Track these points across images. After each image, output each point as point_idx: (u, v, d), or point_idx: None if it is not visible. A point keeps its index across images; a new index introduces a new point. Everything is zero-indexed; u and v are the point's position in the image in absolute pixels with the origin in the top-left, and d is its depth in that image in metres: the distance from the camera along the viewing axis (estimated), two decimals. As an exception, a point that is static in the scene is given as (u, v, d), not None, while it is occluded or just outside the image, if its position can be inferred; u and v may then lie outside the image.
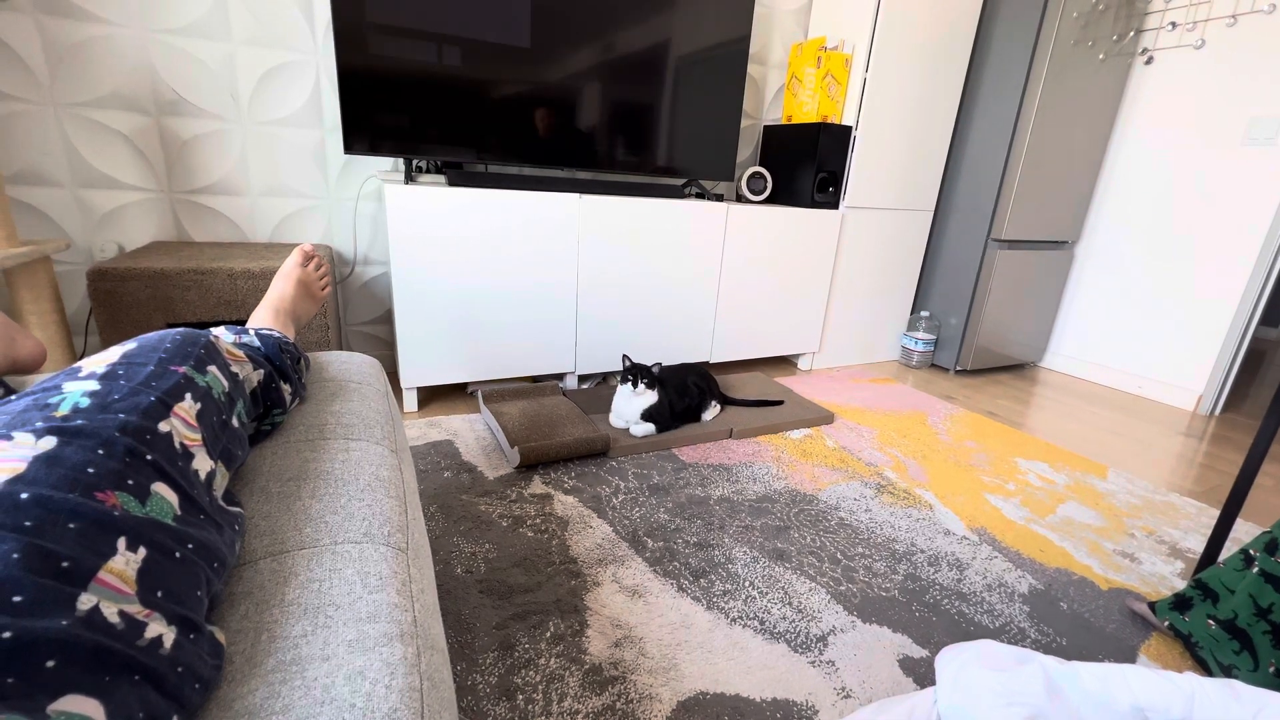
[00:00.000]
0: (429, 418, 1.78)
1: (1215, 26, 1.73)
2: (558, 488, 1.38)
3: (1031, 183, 1.97)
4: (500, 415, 1.69)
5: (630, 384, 1.60)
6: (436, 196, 1.56)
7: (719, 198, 2.19)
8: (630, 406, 1.63)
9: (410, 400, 1.83)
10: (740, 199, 2.31)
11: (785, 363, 2.63)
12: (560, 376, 2.12)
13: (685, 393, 1.74)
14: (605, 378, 2.26)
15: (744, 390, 2.13)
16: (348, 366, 0.87)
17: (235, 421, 0.59)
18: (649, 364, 1.69)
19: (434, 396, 1.97)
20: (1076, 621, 0.99)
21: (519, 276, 1.83)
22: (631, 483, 1.44)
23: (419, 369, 1.78)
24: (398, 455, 0.75)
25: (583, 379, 2.16)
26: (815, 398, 2.20)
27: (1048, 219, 2.08)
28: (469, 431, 1.71)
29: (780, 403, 2.02)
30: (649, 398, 1.64)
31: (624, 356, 1.64)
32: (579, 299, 1.93)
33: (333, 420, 0.74)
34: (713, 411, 1.82)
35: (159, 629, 0.40)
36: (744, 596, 1.03)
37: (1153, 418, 1.84)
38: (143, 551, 0.41)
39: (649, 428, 1.64)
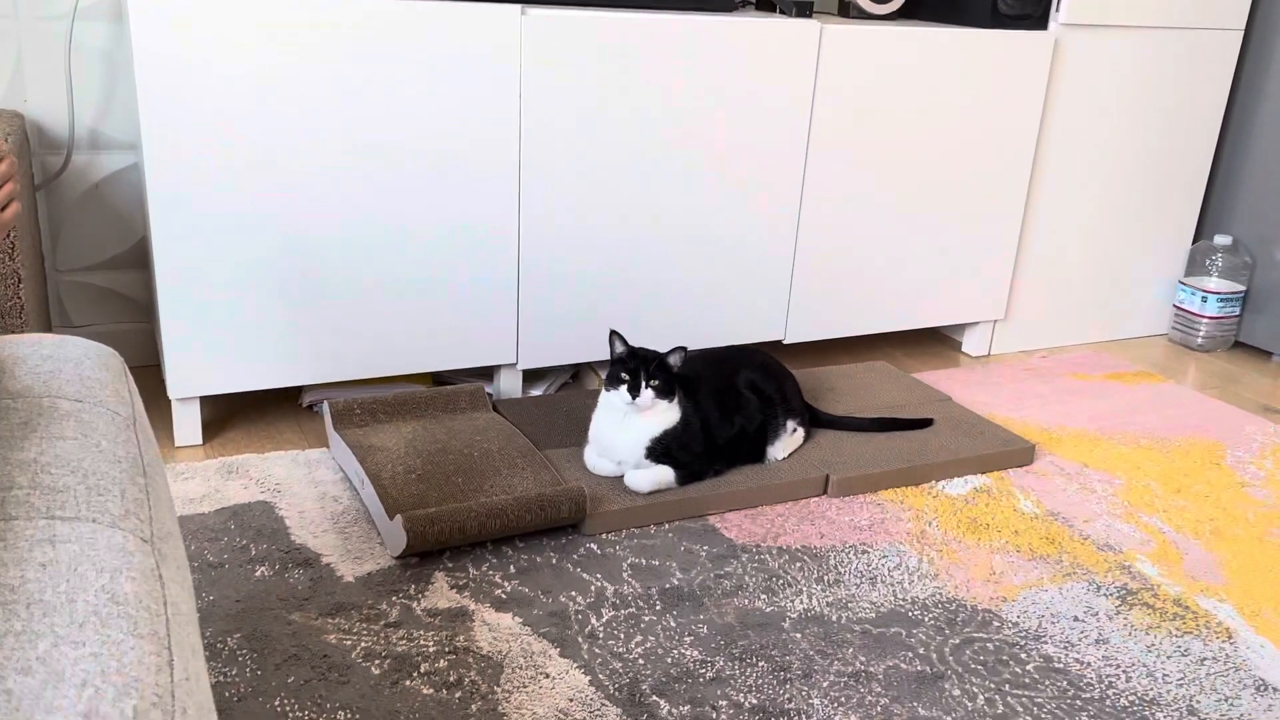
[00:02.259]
0: (225, 457, 1.86)
1: None
2: (483, 597, 1.46)
3: None
4: (369, 452, 1.77)
5: (625, 389, 1.66)
6: (236, 14, 1.62)
7: (803, 10, 2.20)
8: (626, 434, 1.72)
9: (187, 425, 1.89)
10: (847, 10, 2.36)
11: (937, 341, 2.68)
12: (488, 373, 2.20)
13: (735, 404, 1.82)
14: (575, 375, 2.34)
15: (853, 398, 2.19)
16: (54, 365, 0.81)
17: None
18: (661, 351, 1.72)
19: (235, 416, 2.04)
20: None
21: (408, 193, 1.89)
22: (628, 585, 1.51)
23: (204, 365, 1.85)
24: (155, 547, 0.67)
25: (531, 378, 2.22)
26: (997, 412, 2.26)
27: None
28: (304, 485, 1.78)
29: (927, 423, 2.06)
30: (662, 416, 1.71)
31: (612, 335, 1.71)
32: (523, 233, 2.00)
33: (23, 481, 0.67)
34: (789, 440, 1.90)
35: None
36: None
37: None
38: None
39: (662, 475, 1.72)
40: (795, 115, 2.11)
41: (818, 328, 2.31)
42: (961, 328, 2.62)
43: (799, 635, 1.42)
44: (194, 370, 1.80)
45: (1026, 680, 1.34)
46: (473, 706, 1.21)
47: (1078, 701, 1.30)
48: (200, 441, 1.88)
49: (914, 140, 2.26)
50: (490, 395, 2.06)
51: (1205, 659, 1.40)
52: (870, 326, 2.37)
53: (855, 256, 2.30)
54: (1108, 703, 1.30)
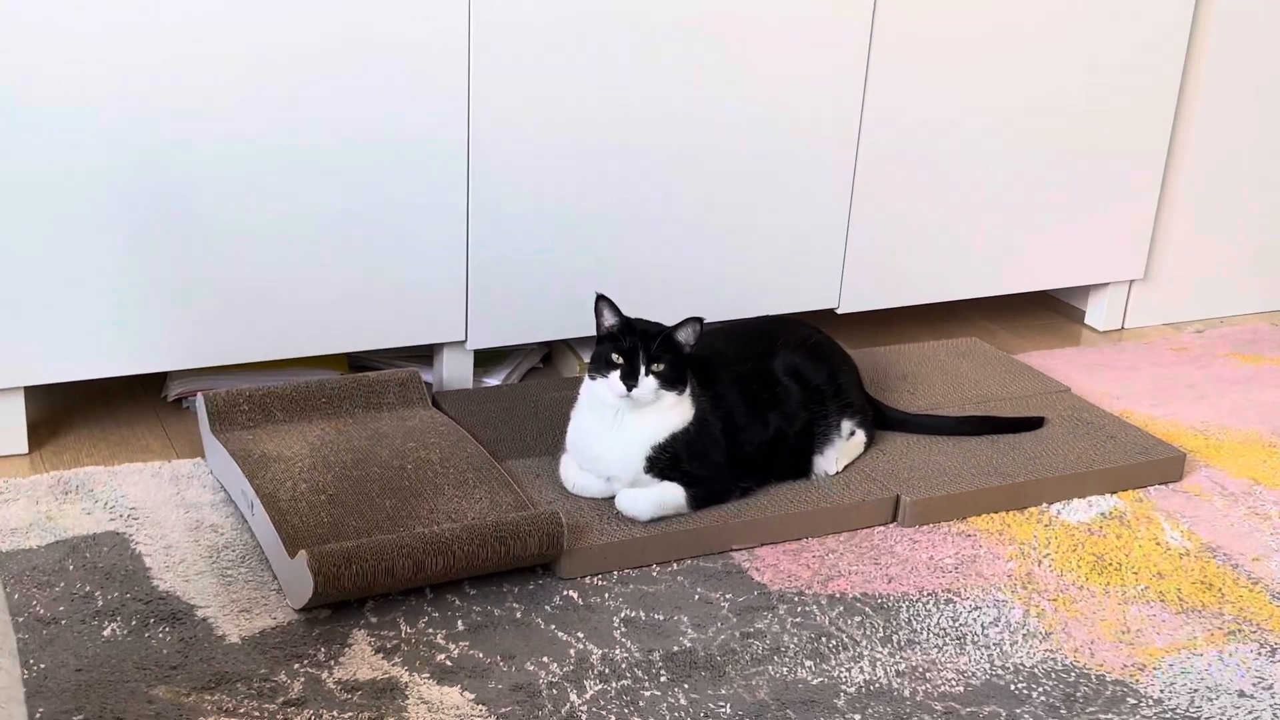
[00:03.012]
0: (59, 471, 1.86)
1: None
2: (420, 665, 1.46)
3: None
4: (261, 464, 1.77)
5: (618, 376, 1.67)
6: None
7: None
8: (619, 440, 1.73)
9: (5, 427, 1.90)
10: None
11: (1049, 310, 2.69)
12: (426, 355, 2.18)
13: (770, 397, 1.84)
14: (546, 358, 2.36)
15: (934, 389, 2.18)
16: None
17: None
18: (668, 324, 1.72)
19: (73, 415, 2.05)
20: None
21: (311, 100, 1.88)
22: (621, 648, 1.51)
23: (27, 345, 1.85)
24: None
25: (486, 361, 2.24)
26: (1134, 408, 2.25)
27: None
28: (171, 509, 1.78)
29: (1036, 423, 2.06)
30: (669, 414, 1.73)
31: (600, 301, 1.73)
32: (474, 159, 1.99)
33: None
34: (845, 448, 1.92)
35: None
36: None
37: None
38: None
39: (668, 496, 1.74)
40: (853, 3, 2.12)
41: (882, 293, 2.33)
42: (1083, 292, 2.63)
43: (858, 718, 1.40)
44: (11, 352, 1.82)
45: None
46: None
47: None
48: (25, 450, 1.89)
49: (1016, 44, 2.26)
50: (429, 385, 2.06)
51: None
52: (954, 291, 2.38)
53: (933, 197, 2.30)
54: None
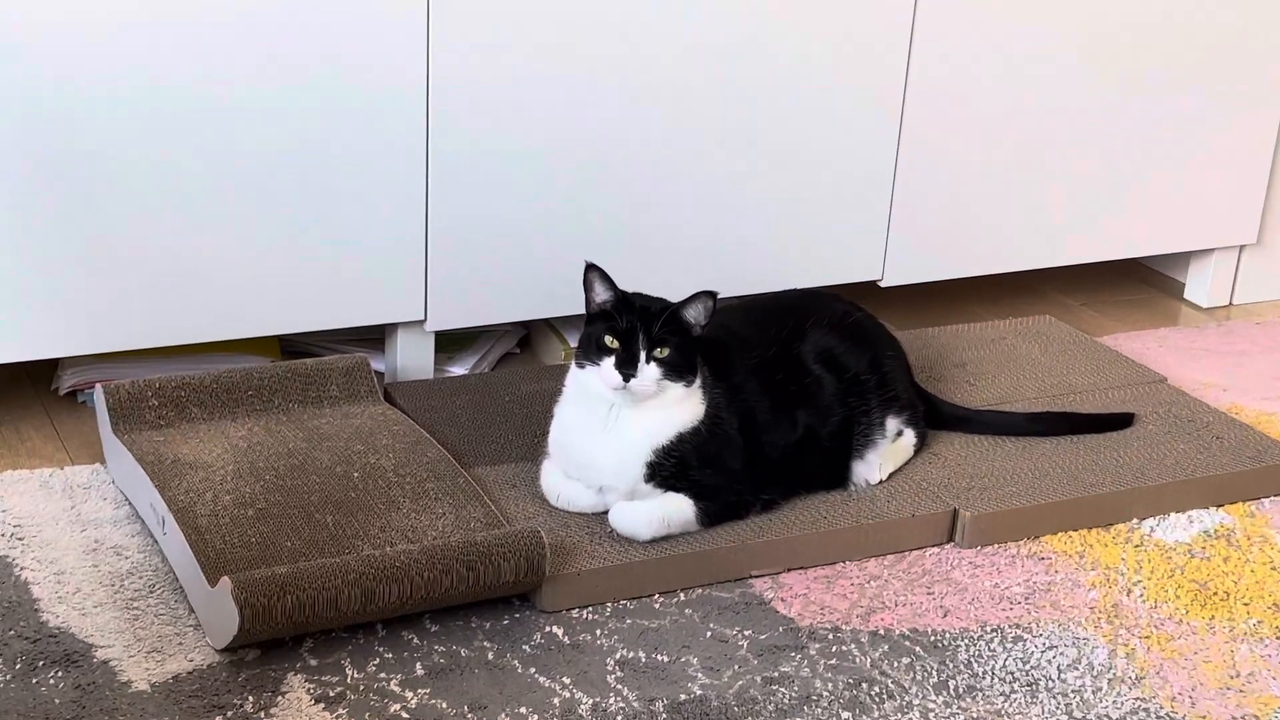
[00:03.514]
0: None
1: None
2: (370, 716, 1.45)
3: None
4: (175, 471, 1.75)
5: (612, 363, 1.68)
6: None
7: None
8: (613, 441, 1.74)
9: None
10: None
11: (1139, 282, 2.72)
12: (374, 337, 2.22)
13: (799, 390, 1.84)
14: (524, 342, 2.39)
15: (999, 379, 2.21)
16: None
17: None
18: (673, 301, 1.73)
19: None
20: None
21: (235, 29, 1.87)
22: (616, 696, 1.51)
23: None
24: None
25: (450, 346, 2.26)
26: (1244, 403, 2.27)
27: None
28: (64, 527, 1.79)
29: (1125, 420, 2.08)
30: (675, 410, 1.74)
31: (590, 271, 1.73)
32: (435, 99, 2.02)
33: None
34: (890, 451, 1.93)
35: None
36: None
37: None
38: None
39: (673, 510, 1.74)
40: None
41: (935, 262, 2.34)
42: (1182, 260, 2.64)
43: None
44: None
45: None
46: None
47: None
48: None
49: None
50: (380, 375, 2.06)
51: None
52: (1022, 259, 2.40)
53: (996, 145, 2.30)
54: None
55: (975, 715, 1.51)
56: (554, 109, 2.04)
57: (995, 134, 2.31)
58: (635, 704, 1.50)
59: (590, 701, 1.49)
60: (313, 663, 1.54)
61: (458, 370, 2.20)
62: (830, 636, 1.63)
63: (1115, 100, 2.37)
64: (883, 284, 2.32)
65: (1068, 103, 2.33)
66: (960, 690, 1.55)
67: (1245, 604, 1.74)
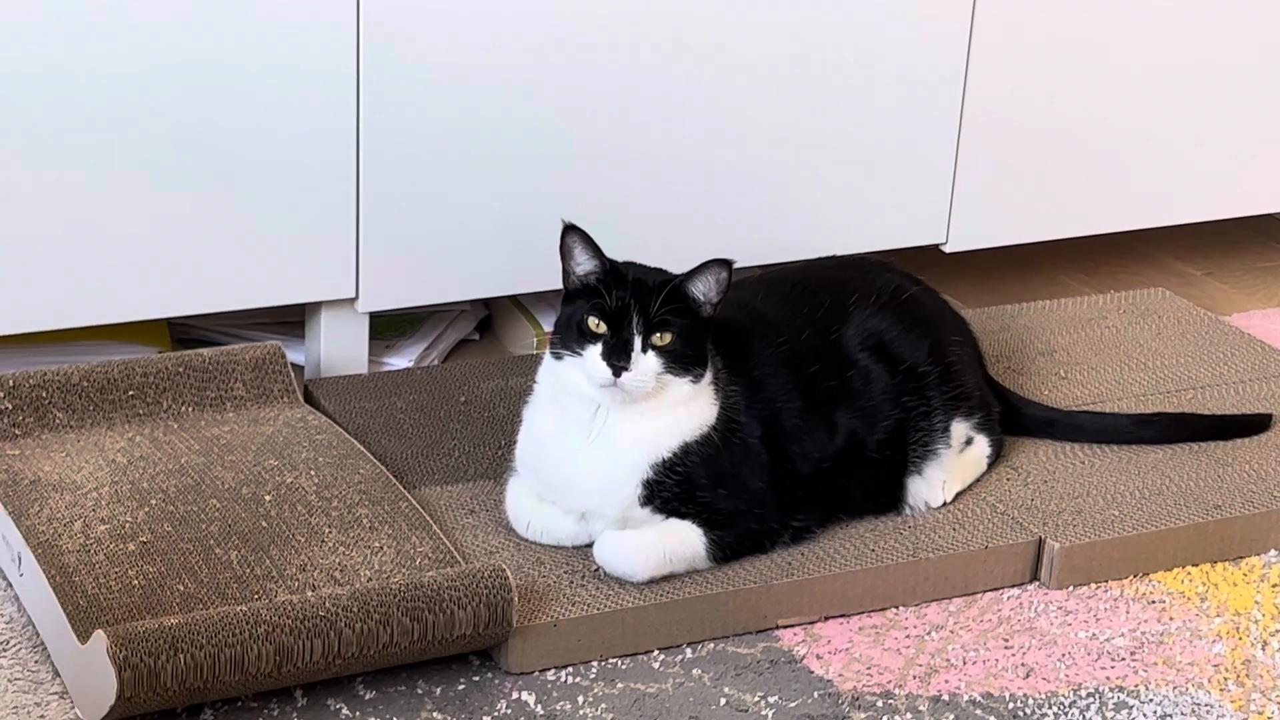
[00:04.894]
0: None
1: None
2: None
3: None
4: (35, 493, 1.72)
5: (598, 353, 1.60)
6: None
7: None
8: (600, 454, 1.67)
9: None
10: None
11: (1276, 243, 2.80)
12: (292, 320, 2.12)
13: (840, 388, 1.78)
14: (484, 325, 2.38)
15: (1099, 371, 2.17)
16: None
17: None
18: (676, 273, 1.67)
19: None
20: None
21: None
22: None
23: None
24: None
25: (389, 331, 2.19)
26: None
27: None
28: None
29: (1261, 423, 2.02)
30: (679, 412, 1.66)
31: (569, 233, 1.66)
32: (365, 22, 1.94)
33: None
34: (958, 465, 1.87)
35: None
36: None
37: None
38: None
39: (675, 541, 1.66)
40: None
41: (1012, 221, 2.30)
42: None
43: None
44: None
45: None
46: None
47: None
48: None
49: None
50: (299, 369, 2.05)
51: None
52: (1125, 217, 2.32)
53: (1084, 80, 2.21)
54: None
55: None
56: (521, 29, 1.93)
57: (1084, 64, 2.24)
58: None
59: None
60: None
61: (399, 362, 2.11)
62: (880, 704, 1.54)
63: (1248, 17, 2.29)
64: (947, 249, 2.22)
65: (1176, 25, 2.25)
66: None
67: None
